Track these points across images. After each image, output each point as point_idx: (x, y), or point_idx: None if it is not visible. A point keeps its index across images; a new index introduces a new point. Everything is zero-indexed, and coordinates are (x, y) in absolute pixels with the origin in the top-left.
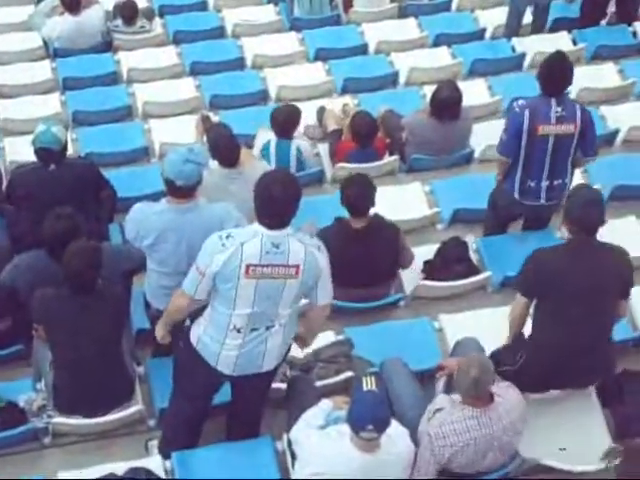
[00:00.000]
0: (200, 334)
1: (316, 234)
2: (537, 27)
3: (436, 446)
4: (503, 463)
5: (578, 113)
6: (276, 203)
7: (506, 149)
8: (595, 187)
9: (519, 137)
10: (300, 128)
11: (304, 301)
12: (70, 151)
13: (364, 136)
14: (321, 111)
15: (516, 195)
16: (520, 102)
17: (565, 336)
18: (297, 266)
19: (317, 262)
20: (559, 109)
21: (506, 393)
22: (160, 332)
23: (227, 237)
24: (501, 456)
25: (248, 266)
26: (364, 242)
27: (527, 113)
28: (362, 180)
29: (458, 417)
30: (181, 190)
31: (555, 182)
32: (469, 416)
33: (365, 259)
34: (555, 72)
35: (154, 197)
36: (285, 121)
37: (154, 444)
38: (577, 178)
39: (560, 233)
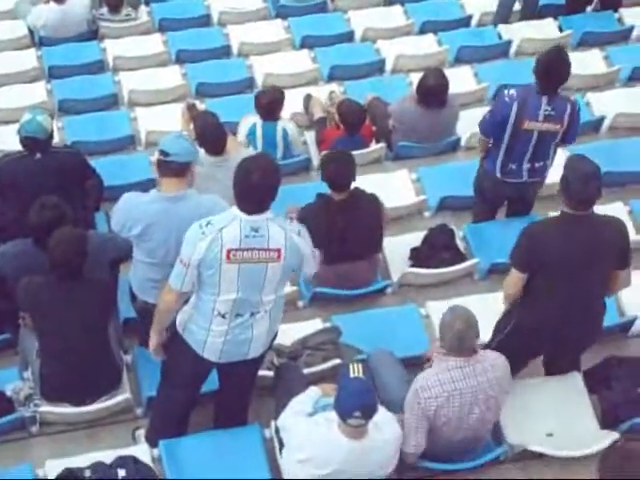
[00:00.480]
0: (186, 322)
1: (299, 211)
2: (525, 16)
3: (422, 398)
4: (490, 420)
5: (567, 111)
6: (255, 190)
7: (487, 129)
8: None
9: (503, 126)
10: (286, 115)
11: (288, 288)
12: (56, 140)
13: (352, 124)
14: (307, 98)
15: (498, 174)
16: (511, 92)
17: (557, 308)
18: (278, 250)
19: (298, 247)
20: (549, 108)
21: (490, 353)
22: (154, 341)
23: (207, 225)
24: (487, 412)
25: (229, 251)
26: (346, 212)
27: (515, 106)
28: (342, 156)
29: (442, 368)
30: (172, 165)
31: (537, 164)
32: (453, 367)
33: (349, 229)
34: (552, 70)
35: (140, 185)
36: (269, 103)
37: (141, 433)
38: (563, 162)
39: None
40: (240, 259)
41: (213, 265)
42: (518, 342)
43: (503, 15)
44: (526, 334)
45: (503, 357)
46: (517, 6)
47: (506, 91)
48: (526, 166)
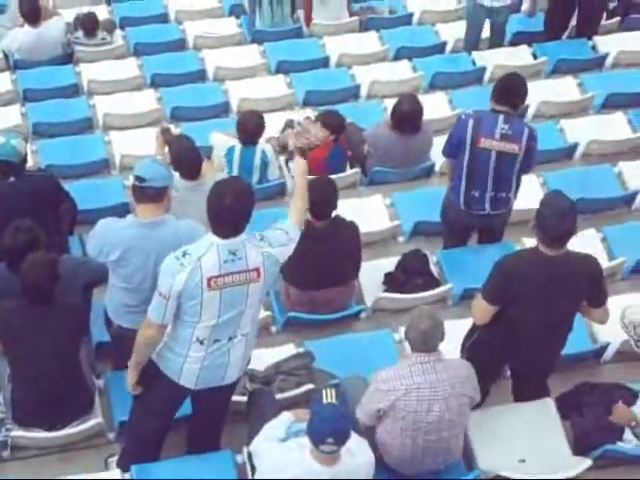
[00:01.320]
0: (160, 350)
1: None
2: (494, 44)
3: (380, 390)
4: (452, 423)
5: (525, 134)
6: (228, 213)
7: (446, 148)
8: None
9: (461, 145)
10: (262, 140)
11: (262, 313)
12: (30, 163)
13: (338, 125)
14: (290, 123)
15: (462, 206)
16: (467, 112)
17: (525, 336)
18: (257, 269)
19: (276, 258)
20: (505, 127)
21: (455, 358)
22: (132, 378)
23: (183, 255)
24: (448, 413)
25: (209, 279)
26: (327, 239)
27: (471, 123)
28: (324, 185)
29: (403, 365)
30: (148, 191)
31: (499, 194)
32: (414, 362)
33: (328, 257)
34: (510, 86)
35: (114, 209)
36: (254, 127)
37: (114, 460)
38: (535, 192)
39: None
40: (221, 285)
41: (195, 296)
42: (485, 351)
43: (470, 42)
44: (493, 344)
45: (468, 362)
46: (488, 32)
47: (464, 112)
48: (489, 195)
